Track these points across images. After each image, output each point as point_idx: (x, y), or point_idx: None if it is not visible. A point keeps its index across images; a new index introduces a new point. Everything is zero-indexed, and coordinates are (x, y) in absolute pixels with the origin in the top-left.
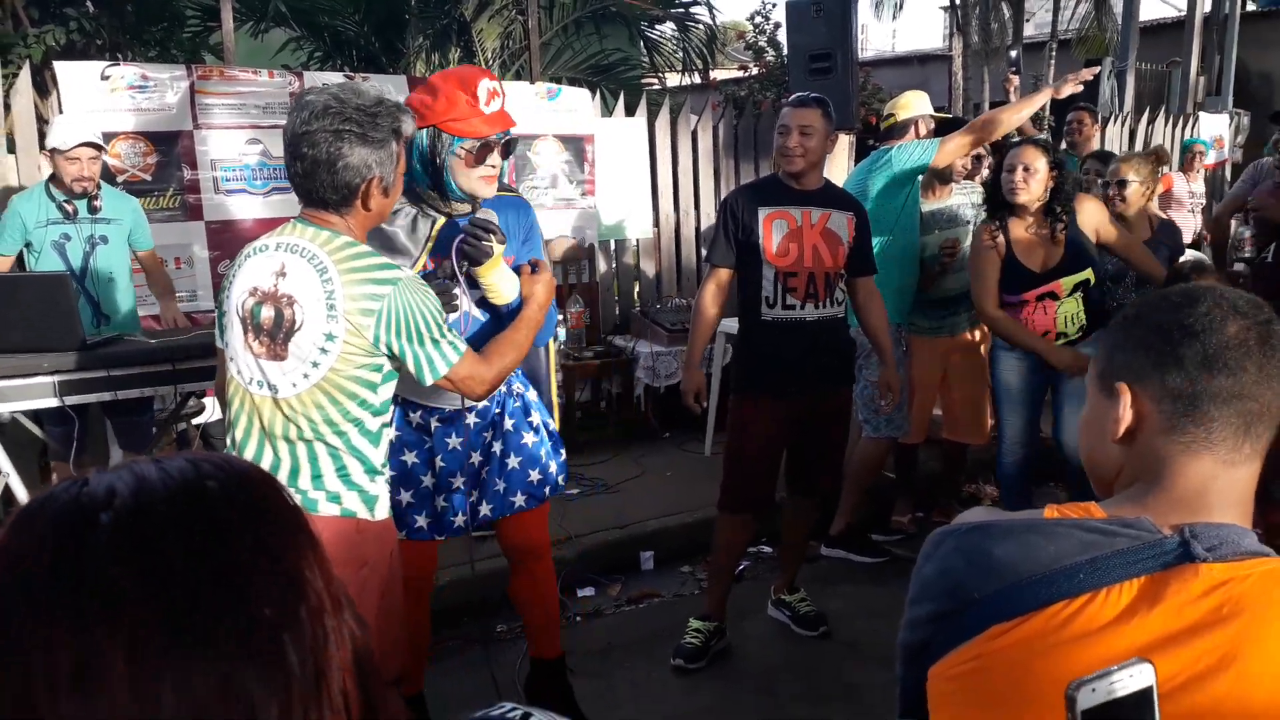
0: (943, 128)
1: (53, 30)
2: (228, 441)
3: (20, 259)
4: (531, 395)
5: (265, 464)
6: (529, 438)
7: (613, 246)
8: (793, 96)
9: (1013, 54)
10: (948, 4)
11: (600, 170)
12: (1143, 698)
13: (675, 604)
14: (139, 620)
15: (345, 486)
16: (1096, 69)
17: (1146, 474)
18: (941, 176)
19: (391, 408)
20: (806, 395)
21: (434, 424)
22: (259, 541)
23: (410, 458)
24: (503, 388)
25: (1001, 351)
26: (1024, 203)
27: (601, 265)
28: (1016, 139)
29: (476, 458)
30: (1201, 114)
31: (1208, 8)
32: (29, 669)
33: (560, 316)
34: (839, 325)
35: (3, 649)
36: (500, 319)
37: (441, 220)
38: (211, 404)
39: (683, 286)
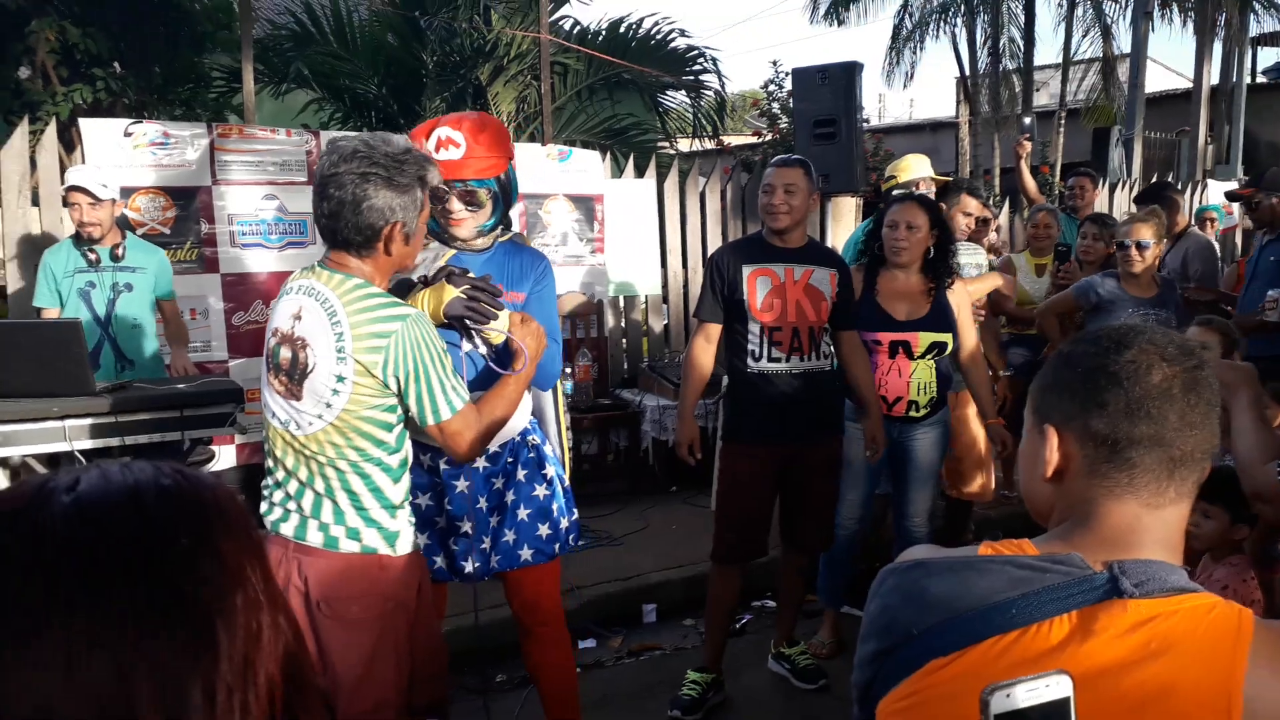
0: (943, 189)
1: (80, 89)
2: (266, 475)
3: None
4: (548, 449)
5: (290, 495)
6: (541, 490)
7: (621, 302)
8: (776, 158)
9: (1026, 120)
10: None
11: (610, 229)
12: (1058, 708)
13: (676, 657)
14: (77, 590)
15: (364, 523)
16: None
17: (1075, 513)
18: None
19: (407, 442)
20: (793, 442)
21: (442, 466)
22: (202, 536)
23: (424, 500)
24: (516, 436)
25: (848, 423)
26: (903, 262)
27: (610, 320)
28: (1035, 207)
29: (484, 503)
30: (1211, 181)
31: (1215, 79)
32: None
33: (568, 369)
34: (824, 377)
35: None
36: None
37: (451, 252)
38: (220, 451)
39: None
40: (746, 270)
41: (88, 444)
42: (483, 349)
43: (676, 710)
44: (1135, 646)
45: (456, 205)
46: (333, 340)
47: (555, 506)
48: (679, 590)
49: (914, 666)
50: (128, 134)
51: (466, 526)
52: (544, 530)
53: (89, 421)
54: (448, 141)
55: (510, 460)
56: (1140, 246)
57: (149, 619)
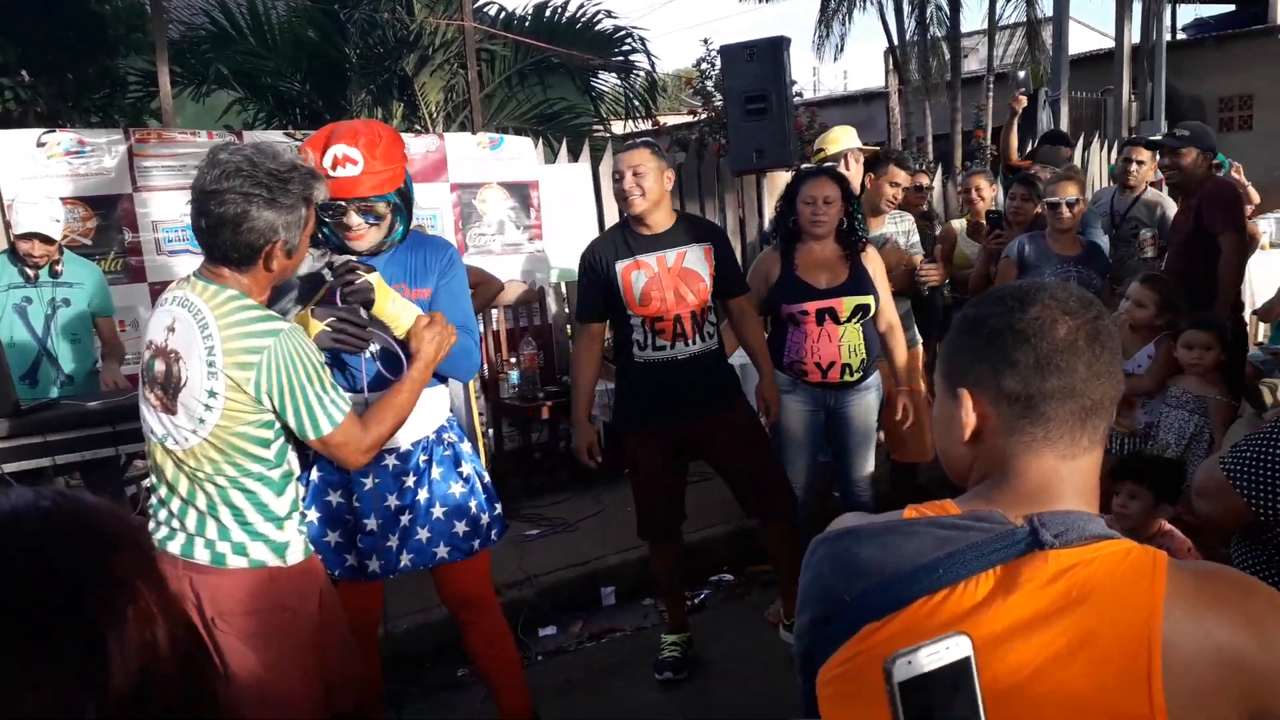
0: (872, 160)
1: None
2: (150, 493)
3: None
4: (465, 447)
5: (174, 513)
6: (456, 488)
7: (564, 288)
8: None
9: (1021, 74)
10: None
11: (547, 214)
12: (960, 669)
13: (636, 637)
14: None
15: (250, 537)
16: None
17: (994, 471)
18: (874, 207)
19: (289, 454)
20: (687, 422)
21: None
22: (87, 555)
23: (335, 498)
24: (430, 434)
25: (782, 394)
26: (823, 234)
27: (553, 307)
28: (967, 171)
29: (394, 501)
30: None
31: (1136, 38)
32: None
33: (513, 359)
34: (711, 356)
35: None
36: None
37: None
38: None
39: None
40: (619, 266)
41: (17, 466)
42: (374, 348)
43: (668, 672)
44: (1056, 596)
45: (356, 220)
46: (204, 354)
47: (474, 503)
48: (636, 571)
49: (849, 633)
50: (40, 144)
51: (372, 524)
52: (461, 527)
53: (18, 443)
54: (344, 159)
55: (424, 458)
56: (1069, 204)
57: (37, 641)
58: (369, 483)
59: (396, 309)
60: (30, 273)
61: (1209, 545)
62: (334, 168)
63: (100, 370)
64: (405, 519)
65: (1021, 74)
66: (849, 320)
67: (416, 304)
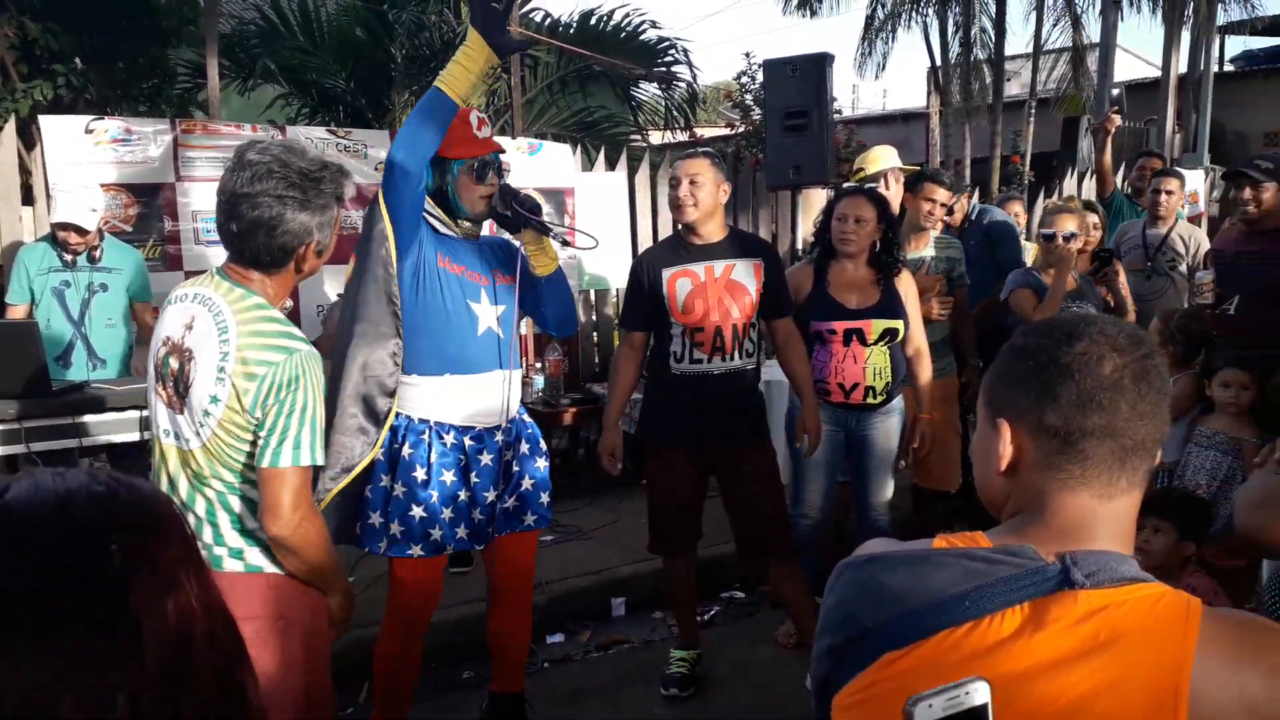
0: (913, 180)
1: (40, 85)
2: None
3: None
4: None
5: None
6: (540, 462)
7: (593, 296)
8: (684, 153)
9: (1115, 91)
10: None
11: (580, 222)
12: (978, 715)
13: (644, 650)
14: (3, 596)
15: (246, 542)
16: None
17: (1029, 506)
18: (914, 226)
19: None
20: (714, 447)
21: (467, 442)
22: (134, 542)
23: (449, 477)
24: (518, 415)
25: (798, 417)
26: (852, 253)
27: (580, 315)
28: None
29: (502, 472)
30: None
31: (1184, 68)
32: None
33: (538, 364)
34: (747, 375)
35: None
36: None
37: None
38: None
39: None
40: (666, 274)
41: (46, 445)
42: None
43: (674, 688)
44: (1085, 637)
45: (493, 177)
46: (217, 358)
47: (549, 478)
48: (648, 583)
49: (869, 660)
50: (89, 130)
51: (492, 495)
52: (544, 498)
53: (47, 423)
54: (482, 122)
55: (515, 436)
56: (1065, 238)
57: (72, 626)
58: (486, 459)
59: (542, 246)
60: (69, 258)
61: (1239, 593)
62: (479, 127)
63: (134, 355)
64: (502, 487)
65: (1115, 91)
66: (876, 343)
67: (505, 289)
